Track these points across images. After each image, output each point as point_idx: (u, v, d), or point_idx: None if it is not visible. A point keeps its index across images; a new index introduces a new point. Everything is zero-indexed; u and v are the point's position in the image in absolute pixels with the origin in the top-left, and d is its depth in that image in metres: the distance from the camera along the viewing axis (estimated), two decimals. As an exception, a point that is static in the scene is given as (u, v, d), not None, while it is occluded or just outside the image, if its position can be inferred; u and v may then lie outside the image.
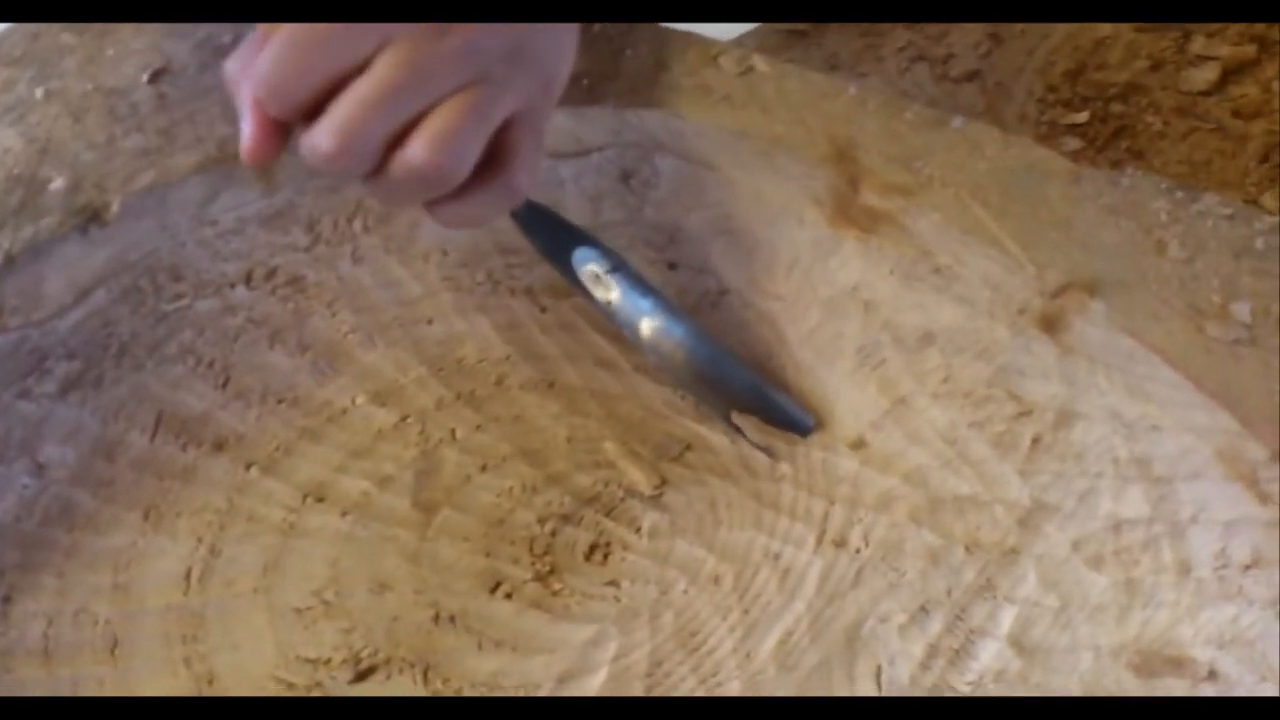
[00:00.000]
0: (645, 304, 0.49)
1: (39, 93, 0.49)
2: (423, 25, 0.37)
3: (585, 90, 0.51)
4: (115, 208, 0.46)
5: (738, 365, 0.50)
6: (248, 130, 0.39)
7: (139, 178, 0.47)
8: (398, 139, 0.38)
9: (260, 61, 0.37)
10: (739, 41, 0.75)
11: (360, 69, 0.37)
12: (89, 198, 0.46)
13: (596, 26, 0.53)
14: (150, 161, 0.47)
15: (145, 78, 0.50)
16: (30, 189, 0.46)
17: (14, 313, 0.45)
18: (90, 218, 0.46)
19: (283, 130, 0.39)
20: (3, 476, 0.45)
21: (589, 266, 0.49)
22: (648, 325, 0.49)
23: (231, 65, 0.40)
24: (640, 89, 0.51)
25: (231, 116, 0.47)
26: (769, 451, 0.49)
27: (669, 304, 0.49)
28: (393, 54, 0.37)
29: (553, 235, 0.49)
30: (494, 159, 0.40)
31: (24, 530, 0.45)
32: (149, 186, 0.47)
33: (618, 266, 0.49)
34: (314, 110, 0.37)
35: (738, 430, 0.49)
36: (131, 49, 0.51)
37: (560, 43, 0.41)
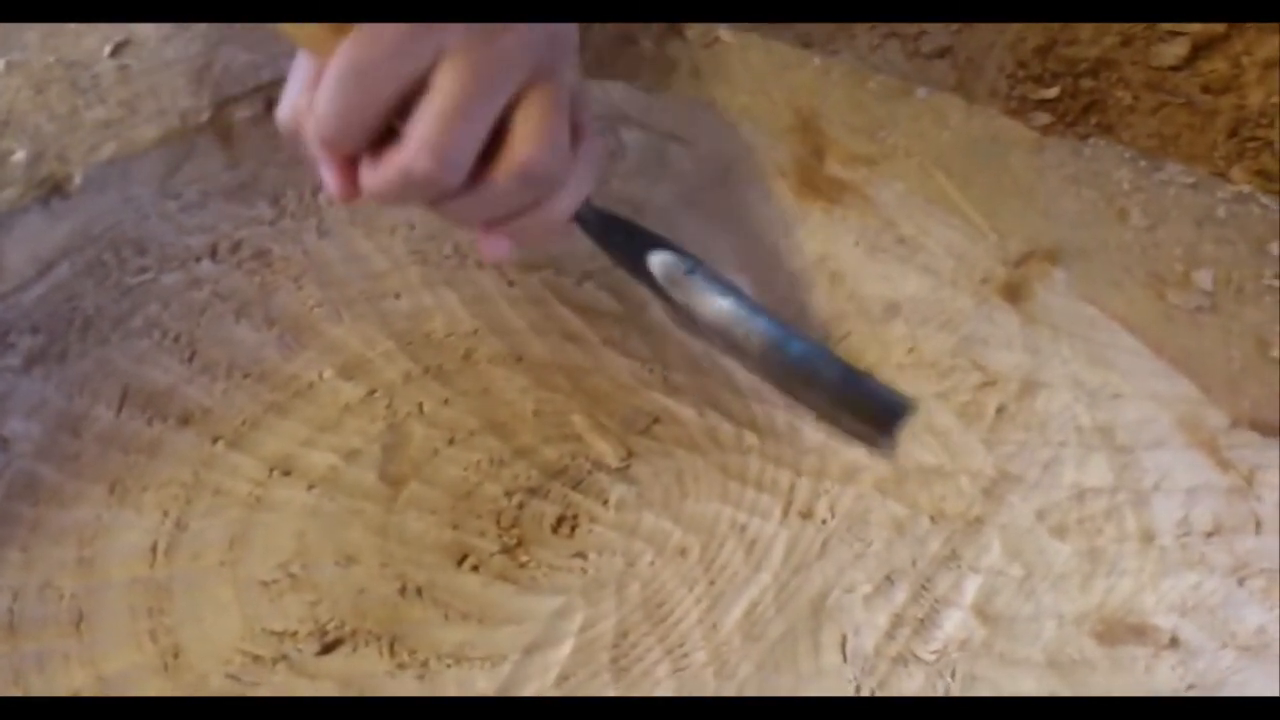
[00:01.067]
0: (726, 304, 0.45)
1: (0, 65, 0.48)
2: (468, 31, 0.36)
3: (551, 63, 0.51)
4: (77, 179, 0.46)
5: (828, 357, 0.46)
6: (331, 178, 0.38)
7: (101, 149, 0.47)
8: (487, 147, 0.37)
9: (318, 104, 0.36)
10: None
11: (420, 88, 0.36)
12: (51, 169, 0.46)
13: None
14: (113, 133, 0.47)
15: (107, 50, 0.49)
16: (-9, 162, 0.46)
17: (-25, 286, 0.45)
18: (52, 189, 0.46)
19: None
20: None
21: (666, 270, 0.46)
22: (732, 324, 0.46)
23: (284, 112, 0.39)
24: (605, 61, 0.51)
25: (193, 89, 0.47)
26: (874, 445, 0.46)
27: (750, 301, 0.46)
28: (453, 66, 0.36)
29: (626, 242, 0.46)
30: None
31: (-12, 504, 0.45)
32: (111, 159, 0.47)
33: (694, 268, 0.46)
34: (382, 138, 0.37)
35: (838, 428, 0.47)
36: (94, 22, 0.50)
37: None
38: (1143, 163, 0.48)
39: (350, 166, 0.38)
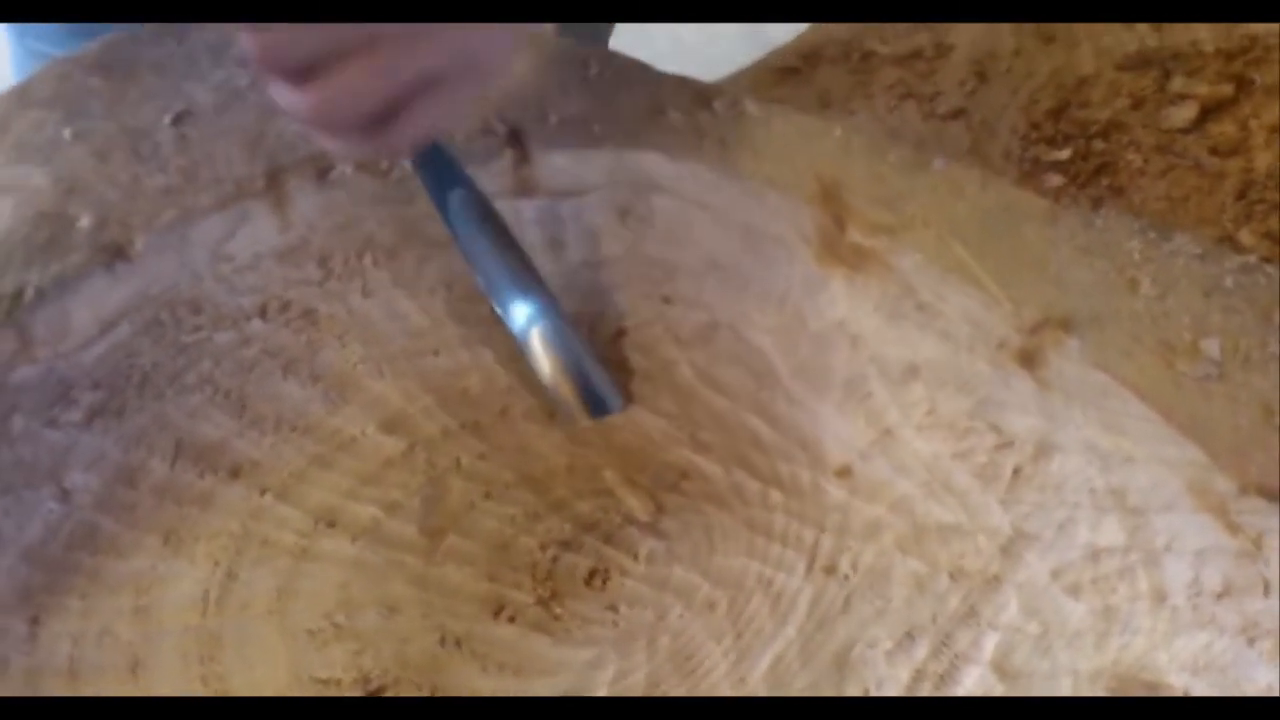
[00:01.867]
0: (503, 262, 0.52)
1: (66, 133, 0.51)
2: None
3: (585, 133, 0.53)
4: (139, 245, 0.48)
5: (570, 335, 0.52)
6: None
7: (161, 216, 0.49)
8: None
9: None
10: (733, 79, 0.78)
11: None
12: (114, 235, 0.48)
13: (595, 69, 0.55)
14: (172, 200, 0.50)
15: (167, 119, 0.52)
16: (58, 226, 0.48)
17: (42, 344, 0.48)
18: (115, 254, 0.48)
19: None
20: (30, 502, 0.47)
21: (459, 208, 0.51)
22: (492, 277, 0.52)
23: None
24: (637, 132, 0.53)
25: (247, 157, 0.50)
26: (569, 416, 0.52)
27: (526, 265, 0.52)
28: None
29: (434, 169, 0.51)
30: (389, 114, 0.43)
31: (50, 554, 0.47)
32: (171, 224, 0.49)
33: (485, 216, 0.52)
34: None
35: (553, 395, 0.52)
36: (153, 91, 0.53)
37: (491, 37, 0.44)
38: (1152, 234, 0.50)
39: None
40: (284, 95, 0.42)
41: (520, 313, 0.52)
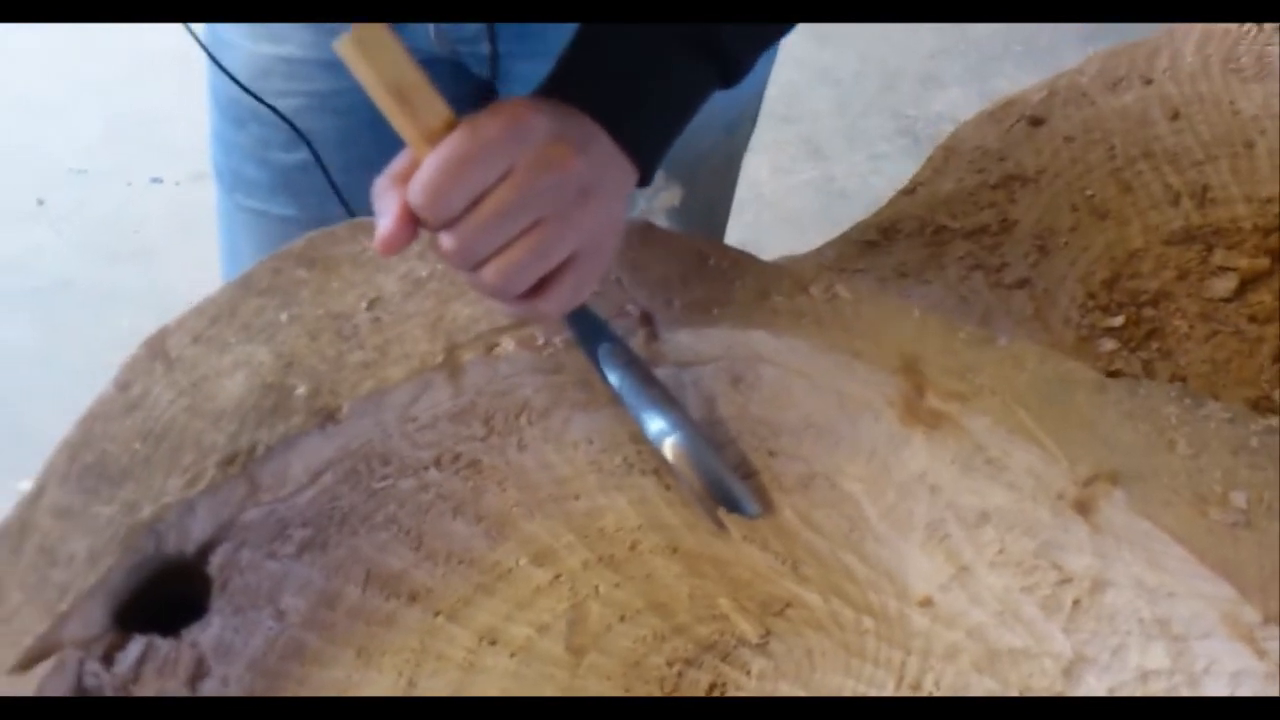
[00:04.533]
0: (647, 395, 0.62)
1: (283, 317, 0.63)
2: (536, 159, 0.52)
3: (704, 314, 0.64)
4: (345, 409, 0.60)
5: (709, 449, 0.62)
6: (392, 224, 0.53)
7: (362, 385, 0.61)
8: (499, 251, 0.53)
9: (420, 177, 0.51)
10: (819, 251, 0.89)
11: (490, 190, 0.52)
12: (325, 401, 0.60)
13: (712, 260, 0.66)
14: (370, 372, 0.61)
15: (363, 305, 0.64)
16: (280, 395, 0.60)
17: (266, 490, 0.59)
18: (326, 417, 0.60)
19: (413, 228, 0.53)
20: (253, 620, 0.57)
21: (607, 357, 0.62)
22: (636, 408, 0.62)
23: (381, 181, 0.54)
24: (748, 313, 0.64)
25: (429, 336, 0.61)
26: (719, 522, 0.62)
27: (668, 396, 0.62)
28: (514, 181, 0.52)
29: (587, 329, 0.62)
30: (544, 283, 0.55)
31: (268, 664, 0.57)
32: (369, 393, 0.60)
33: (630, 362, 0.62)
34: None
35: (703, 505, 0.62)
36: (352, 282, 0.65)
37: (615, 210, 0.57)
38: (1188, 400, 0.59)
39: (412, 228, 0.53)
40: (470, 277, 0.55)
41: (665, 433, 0.62)
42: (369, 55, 0.51)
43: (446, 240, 0.53)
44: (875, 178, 2.09)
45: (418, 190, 0.52)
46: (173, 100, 2.24)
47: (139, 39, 2.26)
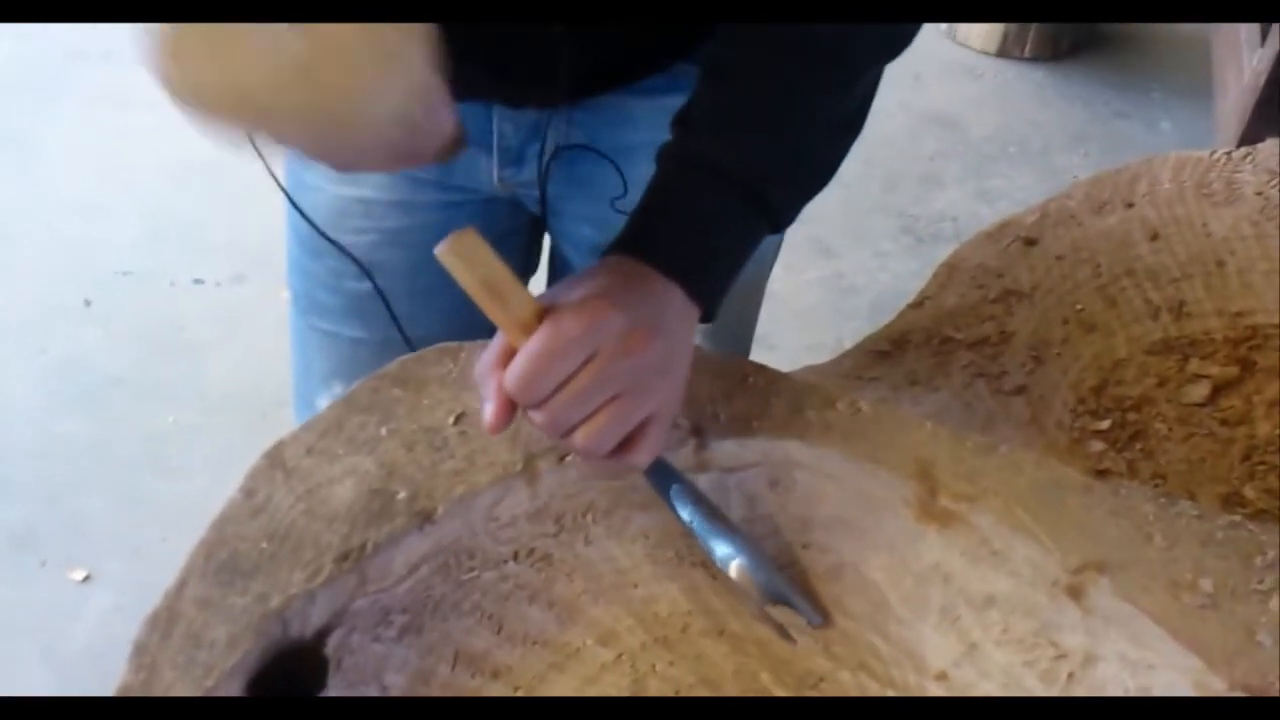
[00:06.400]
0: (713, 526, 0.70)
1: (383, 431, 0.74)
2: (615, 348, 0.60)
3: (745, 426, 0.74)
4: (440, 511, 0.70)
5: (774, 573, 0.70)
6: (495, 410, 0.62)
7: (454, 490, 0.71)
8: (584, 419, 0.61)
9: (513, 370, 0.60)
10: (838, 361, 0.99)
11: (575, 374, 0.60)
12: (423, 504, 0.70)
13: (752, 379, 0.77)
14: (460, 479, 0.71)
15: (451, 420, 0.74)
16: (384, 499, 0.70)
17: (373, 583, 0.68)
18: (424, 519, 0.69)
19: (514, 410, 0.62)
20: (362, 694, 0.67)
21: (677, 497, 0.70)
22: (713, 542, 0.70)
23: (481, 366, 0.63)
24: (783, 425, 0.74)
25: (510, 446, 0.71)
26: (785, 633, 0.70)
27: (732, 526, 0.70)
28: (596, 366, 0.60)
29: (660, 474, 0.70)
30: (628, 442, 0.63)
31: (377, 732, 0.66)
32: (460, 496, 0.70)
33: (698, 500, 0.70)
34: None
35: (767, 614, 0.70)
36: (440, 399, 0.75)
37: (684, 367, 0.66)
38: (1163, 499, 0.69)
39: (511, 409, 0.62)
40: (565, 442, 0.63)
41: (730, 557, 0.70)
42: (464, 259, 0.59)
43: (537, 416, 0.61)
44: (881, 274, 2.21)
45: (512, 381, 0.60)
46: (211, 205, 2.38)
47: (179, 146, 2.39)
